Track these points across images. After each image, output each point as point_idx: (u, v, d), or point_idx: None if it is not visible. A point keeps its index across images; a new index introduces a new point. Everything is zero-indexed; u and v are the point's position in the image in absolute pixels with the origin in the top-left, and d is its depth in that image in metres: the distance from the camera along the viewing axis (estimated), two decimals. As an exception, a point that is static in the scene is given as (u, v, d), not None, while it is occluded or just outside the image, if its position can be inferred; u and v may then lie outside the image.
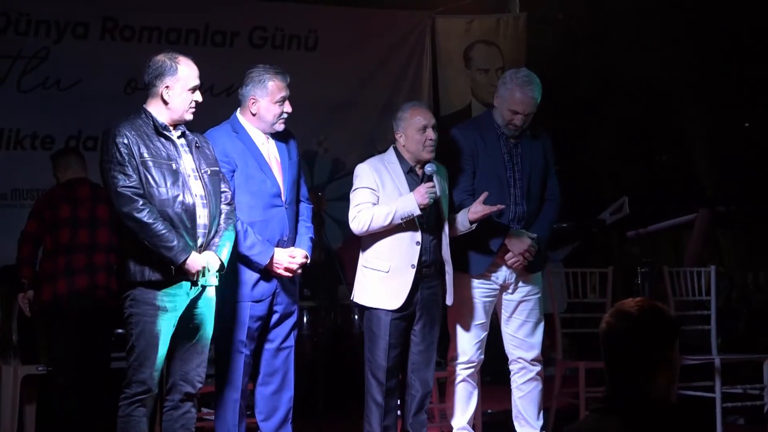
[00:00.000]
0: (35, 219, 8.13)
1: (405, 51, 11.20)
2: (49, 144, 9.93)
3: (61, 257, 7.97)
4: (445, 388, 7.40)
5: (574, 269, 8.57)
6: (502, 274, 7.10)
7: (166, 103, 6.11)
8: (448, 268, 6.95)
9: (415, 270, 6.77)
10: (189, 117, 6.17)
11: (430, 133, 6.83)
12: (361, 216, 6.77)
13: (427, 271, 6.85)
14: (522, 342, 7.21)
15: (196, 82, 6.16)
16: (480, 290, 7.10)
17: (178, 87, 6.11)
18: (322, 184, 10.68)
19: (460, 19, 11.31)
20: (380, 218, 6.73)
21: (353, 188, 6.92)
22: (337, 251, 10.16)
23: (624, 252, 10.18)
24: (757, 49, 11.47)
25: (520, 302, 7.16)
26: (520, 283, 7.14)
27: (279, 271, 6.58)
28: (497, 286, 7.13)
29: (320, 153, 10.90)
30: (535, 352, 7.21)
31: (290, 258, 6.61)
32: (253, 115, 6.65)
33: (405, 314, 6.82)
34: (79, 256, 7.97)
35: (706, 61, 12.21)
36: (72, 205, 8.08)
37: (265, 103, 6.63)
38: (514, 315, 7.19)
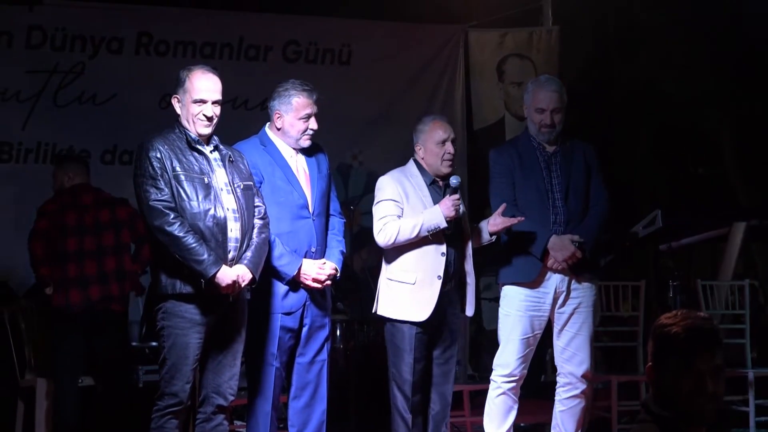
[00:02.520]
0: (45, 218, 8.25)
1: (438, 65, 11.24)
2: (85, 158, 9.99)
3: (70, 264, 8.11)
4: (478, 401, 7.35)
5: (606, 282, 8.54)
6: (553, 284, 6.99)
7: (178, 115, 6.20)
8: (470, 280, 6.96)
9: (441, 281, 6.77)
10: (202, 130, 6.16)
11: (449, 147, 6.85)
12: (387, 229, 6.77)
13: (450, 284, 6.86)
14: (573, 355, 7.06)
15: (203, 95, 6.15)
16: (529, 303, 6.99)
17: (186, 99, 6.17)
18: (357, 197, 10.72)
19: (493, 33, 11.33)
20: (407, 231, 6.73)
21: (376, 201, 6.92)
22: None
23: (658, 265, 10.14)
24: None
25: (571, 314, 7.03)
26: (572, 294, 7.03)
27: (307, 282, 6.57)
28: (549, 299, 7.01)
29: (355, 166, 10.93)
30: (584, 367, 7.06)
31: (319, 269, 6.61)
32: (279, 129, 6.67)
33: (428, 327, 6.81)
34: (89, 264, 8.11)
35: (740, 74, 12.16)
36: (78, 213, 8.24)
37: (289, 118, 6.64)
38: (565, 328, 7.03)
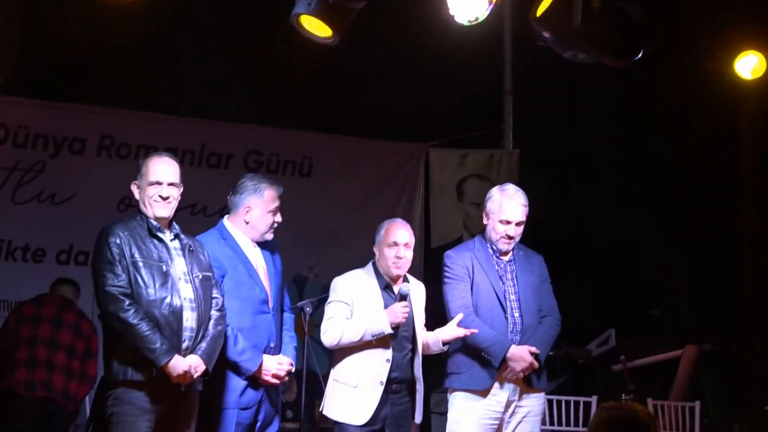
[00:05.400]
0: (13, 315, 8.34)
1: (398, 181, 11.32)
2: (40, 257, 10.00)
3: (22, 348, 8.09)
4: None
5: (558, 396, 8.53)
6: (505, 392, 6.98)
7: (138, 201, 6.24)
8: (419, 386, 6.93)
9: (383, 387, 6.74)
10: (159, 212, 6.16)
11: (400, 251, 6.87)
12: (332, 330, 6.80)
13: (398, 387, 6.83)
14: None
15: (159, 177, 6.18)
16: (480, 411, 6.95)
17: (143, 183, 6.20)
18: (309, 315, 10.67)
19: (454, 153, 11.46)
20: (351, 333, 6.75)
21: (328, 301, 6.96)
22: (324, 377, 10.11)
23: (609, 383, 10.15)
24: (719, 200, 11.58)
25: (519, 422, 7.01)
26: (522, 403, 7.02)
27: (267, 377, 6.53)
28: (500, 408, 6.98)
29: (310, 278, 10.92)
30: None
31: (278, 365, 6.58)
32: (246, 223, 6.67)
33: (374, 429, 6.76)
34: (39, 349, 8.06)
35: (680, 212, 12.28)
36: (36, 305, 8.24)
37: (259, 211, 6.66)
38: None
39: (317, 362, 9.64)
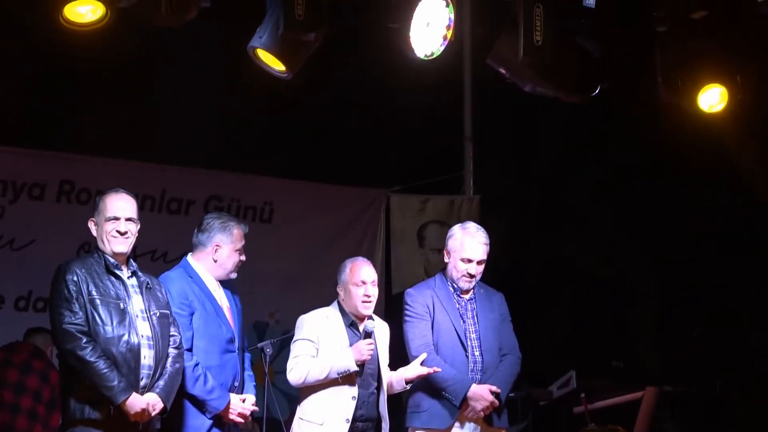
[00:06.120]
0: None
1: (359, 227, 11.31)
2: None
3: None
4: None
5: (519, 437, 8.51)
6: (466, 431, 7.00)
7: (95, 238, 6.22)
8: (385, 425, 6.95)
9: (349, 424, 6.74)
10: (117, 248, 6.15)
11: (368, 289, 6.90)
12: (297, 368, 6.82)
13: (363, 426, 6.85)
14: None
15: (116, 213, 6.20)
16: None
17: (101, 219, 6.21)
18: (271, 358, 10.62)
19: (415, 199, 11.46)
20: (316, 371, 6.76)
21: (294, 339, 6.97)
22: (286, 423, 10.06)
23: (571, 425, 10.12)
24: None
25: None
26: None
27: (233, 416, 6.53)
28: None
29: (271, 324, 10.86)
30: None
31: (243, 404, 6.59)
32: (215, 261, 6.67)
33: None
34: (6, 393, 8.05)
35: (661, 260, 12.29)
36: (7, 352, 8.22)
37: (227, 250, 6.69)
38: None
39: (279, 409, 9.64)
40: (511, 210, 12.07)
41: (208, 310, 6.58)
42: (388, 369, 7.06)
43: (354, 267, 6.98)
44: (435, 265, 11.05)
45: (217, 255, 6.67)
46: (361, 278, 6.91)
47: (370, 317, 6.99)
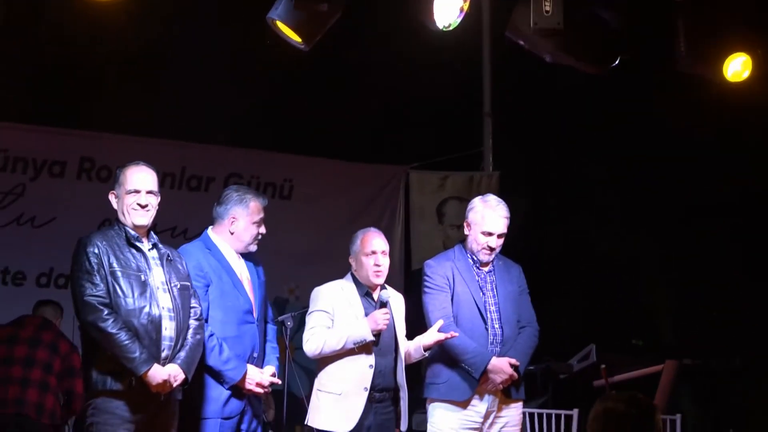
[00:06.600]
0: None
1: (378, 203, 11.33)
2: (20, 280, 9.97)
3: None
4: None
5: (539, 410, 8.52)
6: (485, 403, 6.98)
7: (116, 211, 6.23)
8: (403, 394, 6.93)
9: (368, 393, 6.75)
10: (138, 220, 6.16)
11: (379, 258, 6.91)
12: (314, 339, 6.82)
13: (381, 396, 6.84)
14: None
15: (137, 185, 6.21)
16: (460, 421, 6.95)
17: (121, 192, 6.22)
18: (291, 332, 10.65)
19: (434, 175, 11.47)
20: (333, 342, 6.76)
21: (309, 311, 6.98)
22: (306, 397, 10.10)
23: (591, 398, 10.14)
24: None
25: None
26: (501, 413, 7.03)
27: (250, 386, 6.53)
28: (480, 418, 6.98)
29: (291, 300, 10.90)
30: None
31: (262, 374, 6.59)
32: (231, 234, 6.68)
33: None
34: (15, 368, 8.07)
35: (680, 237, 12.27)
36: (15, 327, 8.29)
37: (244, 222, 6.69)
38: None
39: (300, 384, 9.68)
40: (530, 185, 12.08)
41: (224, 282, 6.58)
42: (405, 339, 7.07)
43: (365, 238, 7.00)
44: (454, 241, 10.93)
45: (233, 227, 6.69)
46: (372, 248, 6.93)
47: (383, 287, 6.99)
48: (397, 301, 7.09)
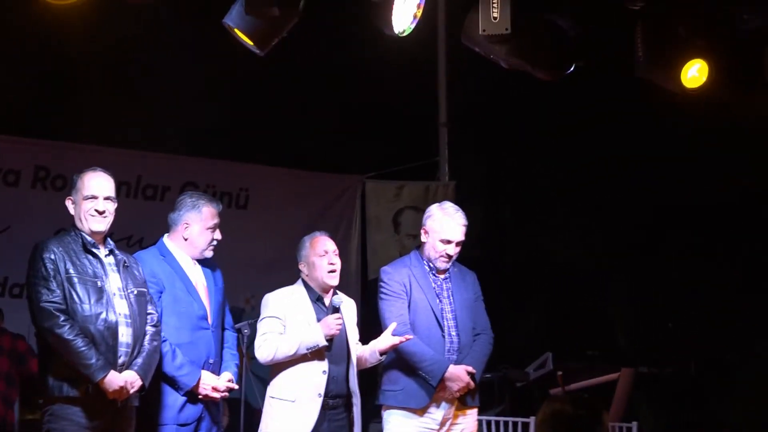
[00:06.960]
0: None
1: (334, 213, 11.33)
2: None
3: None
4: None
5: (496, 417, 8.54)
6: (441, 410, 7.00)
7: (73, 217, 6.22)
8: (356, 400, 6.93)
9: (322, 399, 6.74)
10: (95, 226, 6.15)
11: (332, 258, 6.91)
12: (266, 345, 6.80)
13: (335, 402, 6.83)
14: None
15: (94, 191, 6.20)
16: (417, 428, 6.98)
17: (78, 198, 6.22)
18: (249, 340, 10.63)
19: (390, 185, 11.50)
20: (285, 348, 6.75)
21: (260, 317, 6.96)
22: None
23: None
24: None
25: None
26: (456, 422, 7.05)
27: (206, 392, 6.51)
28: (436, 426, 7.00)
29: (247, 310, 10.84)
30: None
31: (216, 380, 6.58)
32: (185, 240, 6.68)
33: None
34: None
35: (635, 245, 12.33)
36: None
37: (198, 228, 6.68)
38: None
39: (258, 395, 9.65)
40: (486, 196, 12.12)
41: (178, 288, 6.59)
42: (359, 344, 7.07)
43: (315, 240, 7.01)
44: (410, 250, 11.06)
45: (187, 233, 6.69)
46: (324, 248, 6.94)
47: (335, 293, 6.99)
48: (348, 306, 7.09)
